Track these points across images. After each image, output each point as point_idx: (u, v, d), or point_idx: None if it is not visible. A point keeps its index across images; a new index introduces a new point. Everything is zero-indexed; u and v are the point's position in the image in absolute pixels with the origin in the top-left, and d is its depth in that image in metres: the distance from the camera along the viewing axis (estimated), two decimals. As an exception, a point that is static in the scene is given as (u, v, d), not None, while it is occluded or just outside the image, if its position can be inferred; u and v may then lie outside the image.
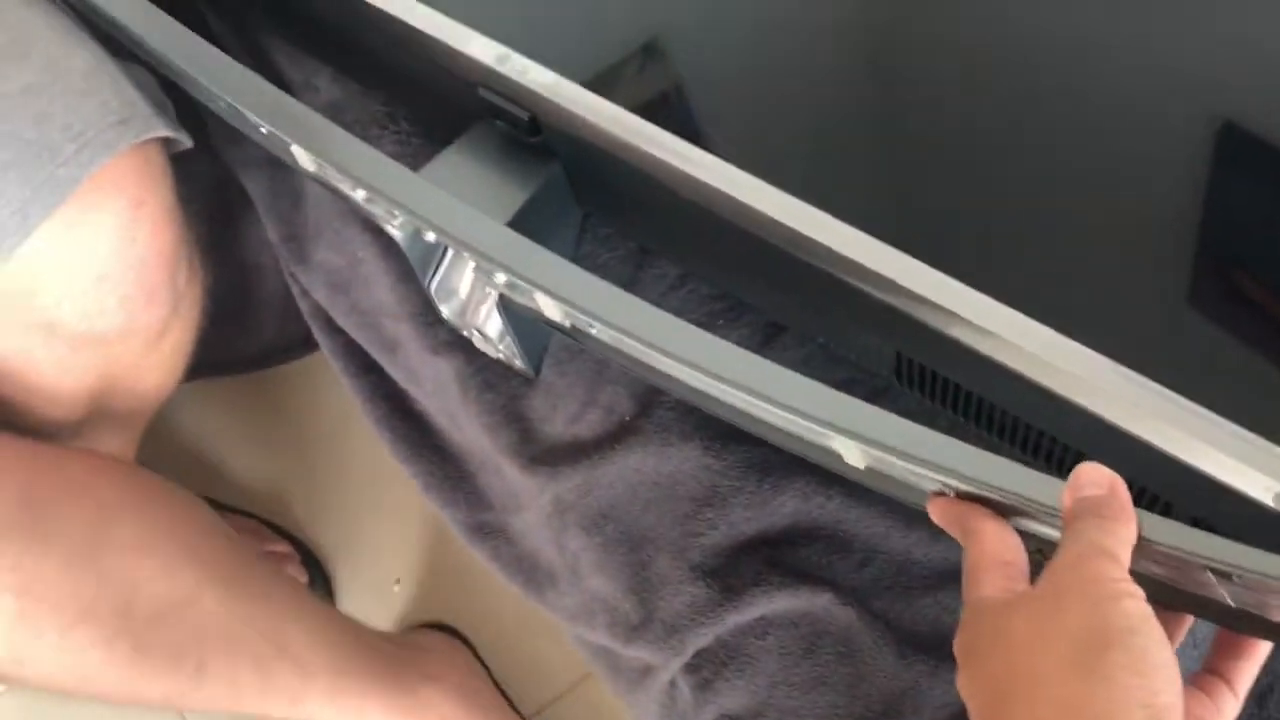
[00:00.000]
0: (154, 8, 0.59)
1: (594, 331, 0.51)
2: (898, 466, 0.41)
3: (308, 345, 0.90)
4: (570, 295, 0.49)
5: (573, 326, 0.52)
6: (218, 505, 0.99)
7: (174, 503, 0.74)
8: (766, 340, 0.59)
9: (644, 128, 0.50)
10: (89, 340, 0.66)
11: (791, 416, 0.42)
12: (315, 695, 0.76)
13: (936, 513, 0.41)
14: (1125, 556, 0.34)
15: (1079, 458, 0.42)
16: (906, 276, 0.45)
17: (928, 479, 0.41)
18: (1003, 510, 0.38)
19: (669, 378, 0.50)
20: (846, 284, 0.47)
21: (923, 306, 0.45)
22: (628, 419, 0.60)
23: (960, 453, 0.40)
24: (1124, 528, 0.35)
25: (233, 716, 0.82)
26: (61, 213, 0.60)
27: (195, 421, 1.08)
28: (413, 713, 0.83)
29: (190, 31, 0.57)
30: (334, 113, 0.67)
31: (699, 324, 0.59)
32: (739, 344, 0.58)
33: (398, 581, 1.04)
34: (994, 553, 0.37)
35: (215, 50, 0.57)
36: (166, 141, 0.65)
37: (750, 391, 0.42)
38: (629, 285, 0.61)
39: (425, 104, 0.63)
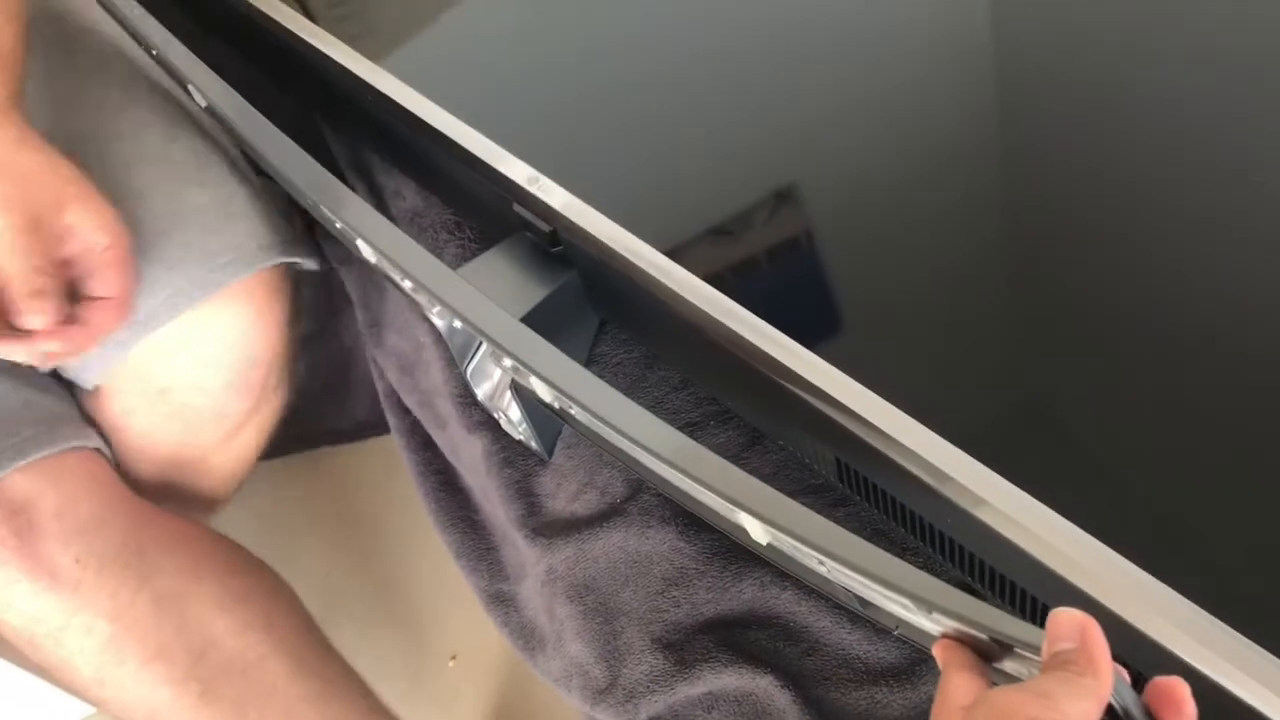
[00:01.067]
0: (266, 123, 0.72)
1: (574, 413, 0.58)
2: (787, 543, 0.47)
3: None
4: (550, 376, 0.56)
5: (560, 409, 0.60)
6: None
7: (257, 574, 0.83)
8: (749, 444, 0.65)
9: (633, 244, 0.59)
10: (186, 411, 0.78)
11: (703, 490, 0.49)
12: None
13: (937, 653, 0.41)
14: (1082, 707, 0.32)
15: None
16: (859, 404, 0.50)
17: (819, 564, 0.46)
18: (986, 654, 0.39)
19: (635, 461, 0.57)
20: (794, 396, 0.53)
21: (862, 427, 0.50)
22: (618, 501, 0.67)
23: (842, 540, 0.45)
24: (1089, 680, 0.33)
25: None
26: (202, 307, 0.73)
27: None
28: None
29: (284, 136, 0.69)
30: (412, 218, 0.78)
31: (692, 424, 0.67)
32: (724, 445, 0.66)
33: (453, 657, 1.12)
34: (954, 696, 0.37)
35: (302, 153, 0.68)
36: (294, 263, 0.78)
37: (670, 464, 0.49)
38: (636, 384, 0.69)
39: (477, 214, 0.73)
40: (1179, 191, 0.57)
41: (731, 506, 0.48)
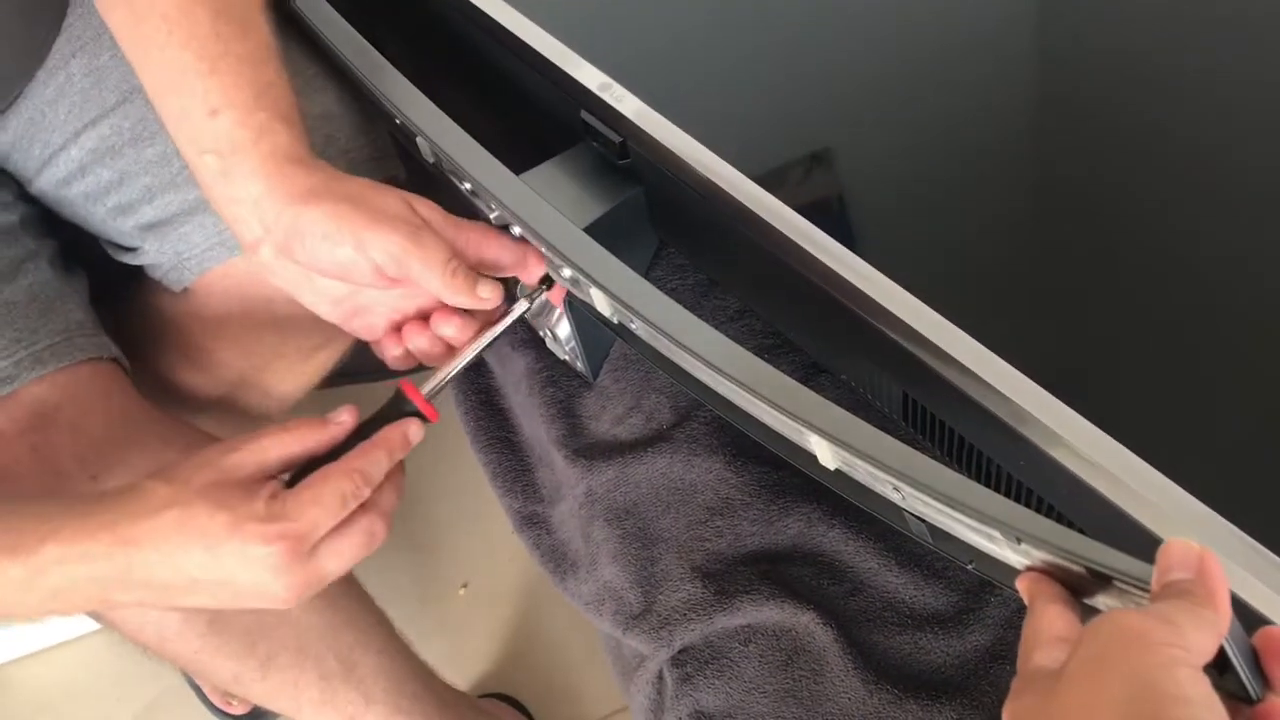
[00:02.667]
0: (336, 15, 0.69)
1: (634, 327, 0.56)
2: (861, 469, 0.45)
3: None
4: (614, 288, 0.55)
5: (619, 323, 0.58)
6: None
7: None
8: (806, 379, 0.64)
9: (718, 165, 0.56)
10: (283, 323, 0.75)
11: (772, 410, 0.47)
12: None
13: (1022, 586, 0.39)
14: (1203, 640, 0.31)
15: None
16: (950, 344, 0.48)
17: (894, 490, 0.45)
18: (1076, 588, 0.37)
19: (692, 379, 0.56)
20: (871, 328, 0.51)
21: (939, 359, 0.49)
22: (664, 427, 0.65)
23: (918, 463, 0.43)
24: (1210, 610, 0.31)
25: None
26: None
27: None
28: None
29: (356, 33, 0.67)
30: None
31: (747, 355, 0.65)
32: (779, 378, 0.64)
33: (464, 585, 1.11)
34: (1049, 628, 0.35)
35: (375, 52, 0.66)
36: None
37: (736, 381, 0.47)
38: (692, 311, 0.67)
39: (539, 123, 0.71)
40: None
41: (802, 428, 0.47)
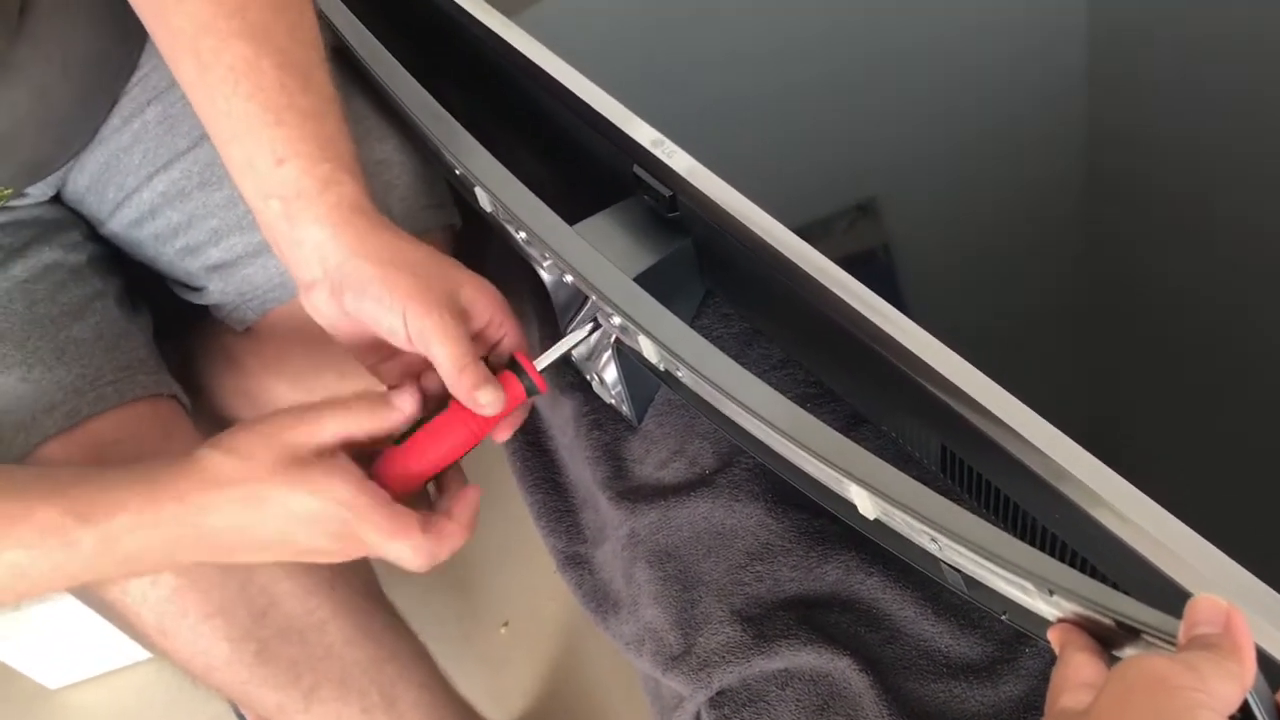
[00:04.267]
0: (400, 68, 0.73)
1: (680, 375, 0.58)
2: (899, 519, 0.47)
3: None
4: (661, 336, 0.57)
5: (665, 370, 0.60)
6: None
7: None
8: (847, 428, 0.65)
9: (763, 219, 0.58)
10: (341, 360, 0.78)
11: (812, 459, 0.48)
12: None
13: (1053, 636, 0.40)
14: (1226, 689, 0.32)
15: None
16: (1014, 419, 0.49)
17: (931, 541, 0.46)
18: (1106, 640, 0.38)
19: (735, 426, 0.57)
20: (911, 382, 0.53)
21: (979, 415, 0.50)
22: (707, 472, 0.67)
23: (954, 515, 0.45)
24: (1235, 664, 0.32)
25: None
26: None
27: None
28: None
29: (419, 85, 0.70)
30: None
31: (790, 403, 0.67)
32: (821, 427, 0.65)
33: (506, 623, 1.12)
34: (1076, 674, 0.36)
35: (436, 103, 0.69)
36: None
37: (777, 429, 0.49)
38: (735, 359, 0.68)
39: (596, 174, 0.73)
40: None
41: (842, 478, 0.48)
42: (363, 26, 0.74)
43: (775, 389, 0.67)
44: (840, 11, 0.70)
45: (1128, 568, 0.46)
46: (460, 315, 0.58)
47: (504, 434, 0.62)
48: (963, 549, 0.42)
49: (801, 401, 0.67)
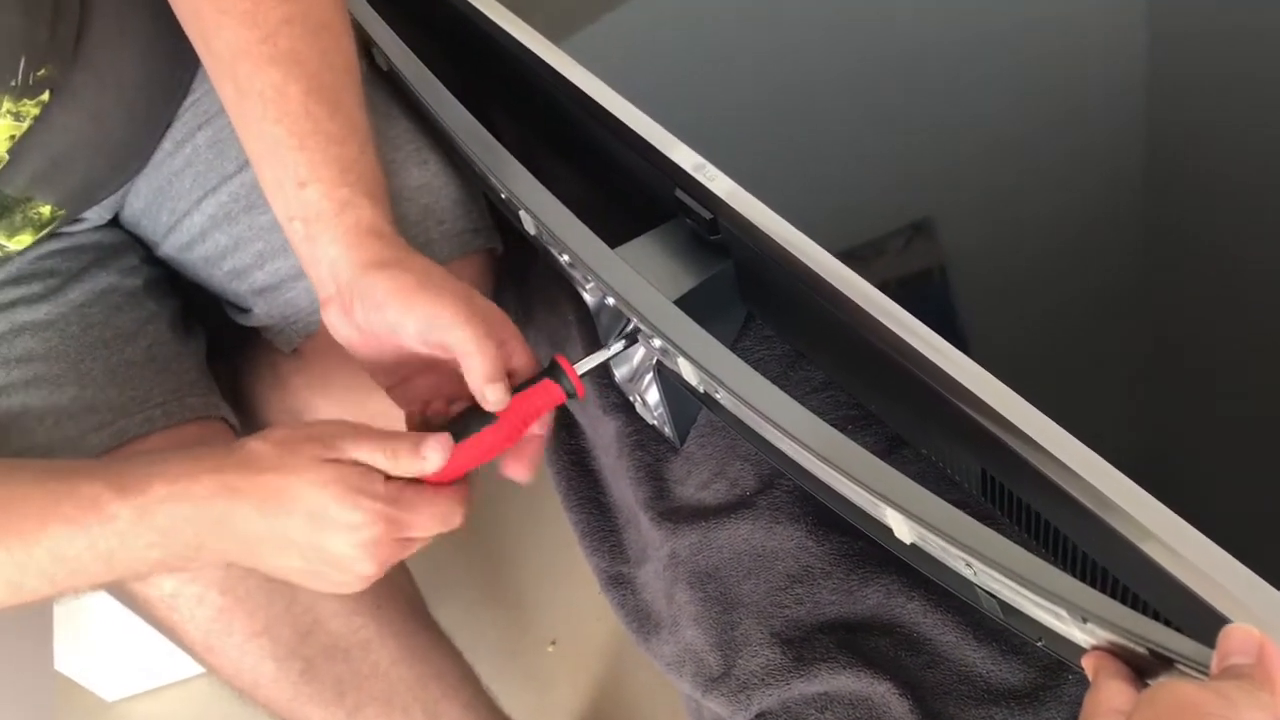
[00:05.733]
0: (447, 93, 0.74)
1: (719, 397, 0.59)
2: (935, 544, 0.46)
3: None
4: (700, 359, 0.57)
5: (705, 393, 0.61)
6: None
7: None
8: (887, 451, 0.65)
9: (804, 243, 0.58)
10: None
11: (849, 483, 0.49)
12: None
13: (1087, 663, 0.41)
14: (1257, 718, 0.31)
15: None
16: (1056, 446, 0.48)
17: (966, 566, 0.46)
18: (1139, 668, 0.38)
19: (774, 449, 0.57)
20: (952, 408, 0.52)
21: (1020, 442, 0.49)
22: (748, 494, 0.67)
23: (991, 542, 0.45)
24: (1267, 694, 0.32)
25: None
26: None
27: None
28: None
29: (465, 109, 0.71)
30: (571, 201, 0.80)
31: (832, 426, 0.67)
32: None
33: (553, 642, 1.13)
34: (1109, 701, 0.36)
35: (472, 119, 0.70)
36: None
37: (814, 453, 0.49)
38: (776, 381, 0.68)
39: (637, 198, 0.74)
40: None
41: (878, 502, 0.48)
42: (409, 51, 0.76)
43: (816, 412, 0.67)
44: (880, 35, 0.70)
45: (1167, 595, 0.45)
46: (478, 312, 0.59)
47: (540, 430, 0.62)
48: (997, 574, 0.42)
49: (843, 424, 0.67)
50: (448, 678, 0.85)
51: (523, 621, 1.14)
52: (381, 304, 0.58)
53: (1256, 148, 0.60)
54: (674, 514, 0.69)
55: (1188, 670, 0.35)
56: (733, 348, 0.71)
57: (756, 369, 0.70)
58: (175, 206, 0.80)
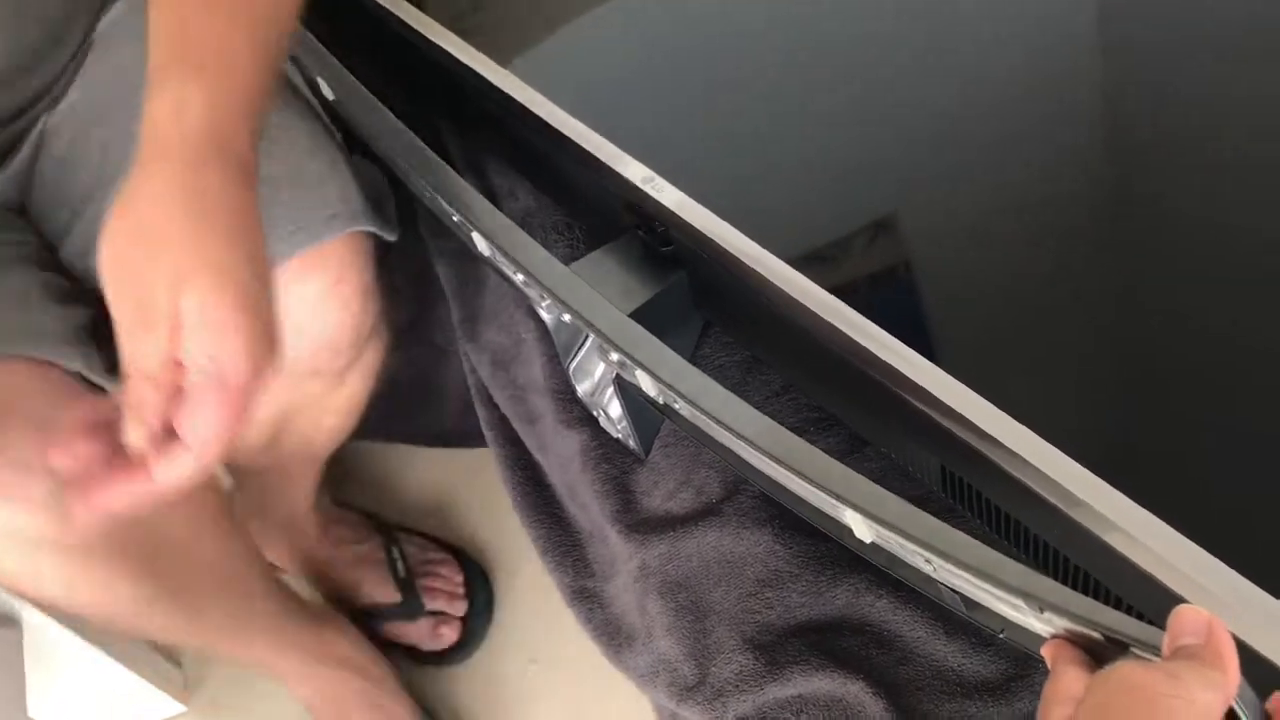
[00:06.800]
0: (393, 119, 0.74)
1: (678, 407, 0.59)
2: (893, 541, 0.47)
3: (481, 439, 1.00)
4: (656, 370, 0.57)
5: (664, 404, 0.61)
6: (387, 523, 1.15)
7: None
8: (849, 451, 0.65)
9: (744, 244, 0.59)
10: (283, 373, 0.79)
11: (806, 485, 0.49)
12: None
13: (1046, 652, 0.41)
14: (1208, 698, 0.32)
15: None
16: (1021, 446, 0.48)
17: (926, 562, 0.46)
18: (1097, 654, 0.38)
19: (734, 455, 0.58)
20: (909, 405, 0.53)
21: (976, 436, 0.50)
22: (714, 501, 0.67)
23: (950, 538, 0.45)
24: (1218, 674, 0.33)
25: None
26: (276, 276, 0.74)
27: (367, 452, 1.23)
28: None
29: (412, 134, 0.71)
30: (525, 216, 0.80)
31: (792, 429, 0.67)
32: (825, 452, 0.66)
33: (533, 660, 1.13)
34: (1067, 689, 0.36)
35: (422, 145, 0.70)
36: (374, 234, 0.78)
37: (770, 456, 0.49)
38: (736, 388, 0.69)
39: (590, 213, 0.74)
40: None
41: (836, 503, 0.49)
42: (354, 79, 0.76)
43: (777, 415, 0.68)
44: (821, 41, 0.71)
45: (1125, 579, 0.46)
46: (169, 322, 0.47)
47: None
48: (955, 569, 0.43)
49: (804, 426, 0.68)
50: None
51: (502, 640, 1.14)
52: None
53: (1198, 150, 0.61)
54: (642, 525, 0.69)
55: (1142, 654, 0.36)
56: (692, 355, 0.72)
57: (716, 375, 0.70)
58: (69, 203, 0.74)
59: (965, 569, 0.42)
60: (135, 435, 0.48)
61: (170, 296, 0.47)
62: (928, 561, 0.45)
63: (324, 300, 0.77)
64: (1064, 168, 0.61)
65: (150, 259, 0.47)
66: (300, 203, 0.74)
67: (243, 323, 0.48)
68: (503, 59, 0.73)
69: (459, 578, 1.13)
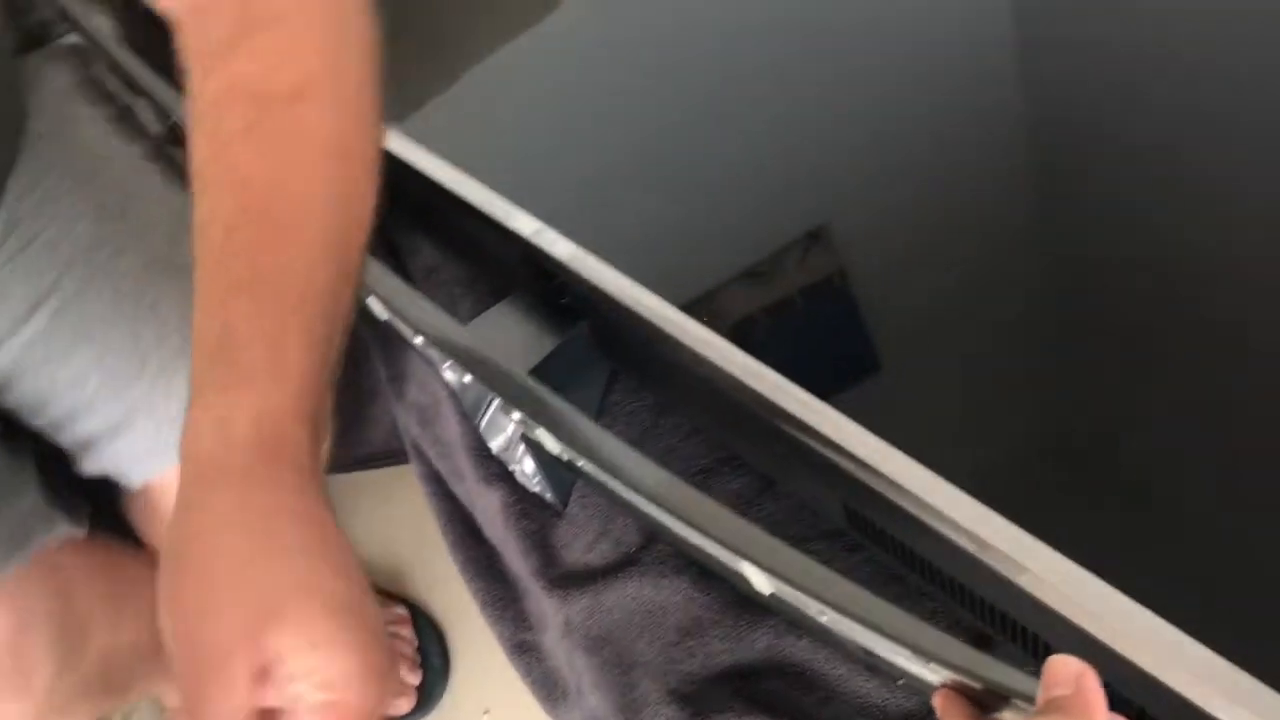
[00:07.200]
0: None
1: (580, 464, 0.58)
2: (789, 593, 0.46)
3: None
4: (553, 427, 0.57)
5: (568, 460, 0.60)
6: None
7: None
8: (764, 488, 0.65)
9: (636, 292, 0.59)
10: None
11: (703, 538, 0.48)
12: None
13: (937, 703, 0.40)
14: None
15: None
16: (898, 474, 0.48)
17: (822, 614, 0.46)
18: (984, 704, 0.38)
19: (638, 510, 0.57)
20: (804, 445, 0.53)
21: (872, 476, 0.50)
22: (632, 551, 0.66)
23: (846, 591, 0.45)
24: None
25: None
26: None
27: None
28: None
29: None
30: (428, 273, 0.79)
31: (706, 470, 0.67)
32: (738, 491, 0.65)
33: (487, 711, 1.11)
34: None
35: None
36: None
37: (665, 508, 0.49)
38: (648, 431, 0.69)
39: (489, 268, 0.74)
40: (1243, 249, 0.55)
41: (733, 555, 0.48)
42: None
43: (689, 457, 0.68)
44: (703, 91, 0.70)
45: (1023, 607, 0.46)
46: (251, 671, 0.39)
47: None
48: (847, 620, 0.42)
49: (716, 467, 0.67)
50: None
51: (456, 690, 1.12)
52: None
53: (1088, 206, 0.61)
54: (564, 580, 0.68)
55: (1020, 704, 0.35)
56: (603, 401, 0.71)
57: (627, 420, 0.70)
58: None
59: (856, 620, 0.42)
60: None
61: (248, 639, 0.39)
62: (822, 613, 0.45)
63: None
64: (948, 214, 0.61)
65: (215, 604, 0.40)
66: None
67: (352, 640, 0.40)
68: (390, 117, 0.72)
69: (415, 641, 1.12)
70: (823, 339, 0.60)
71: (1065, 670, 0.34)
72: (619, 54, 0.74)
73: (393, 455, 1.04)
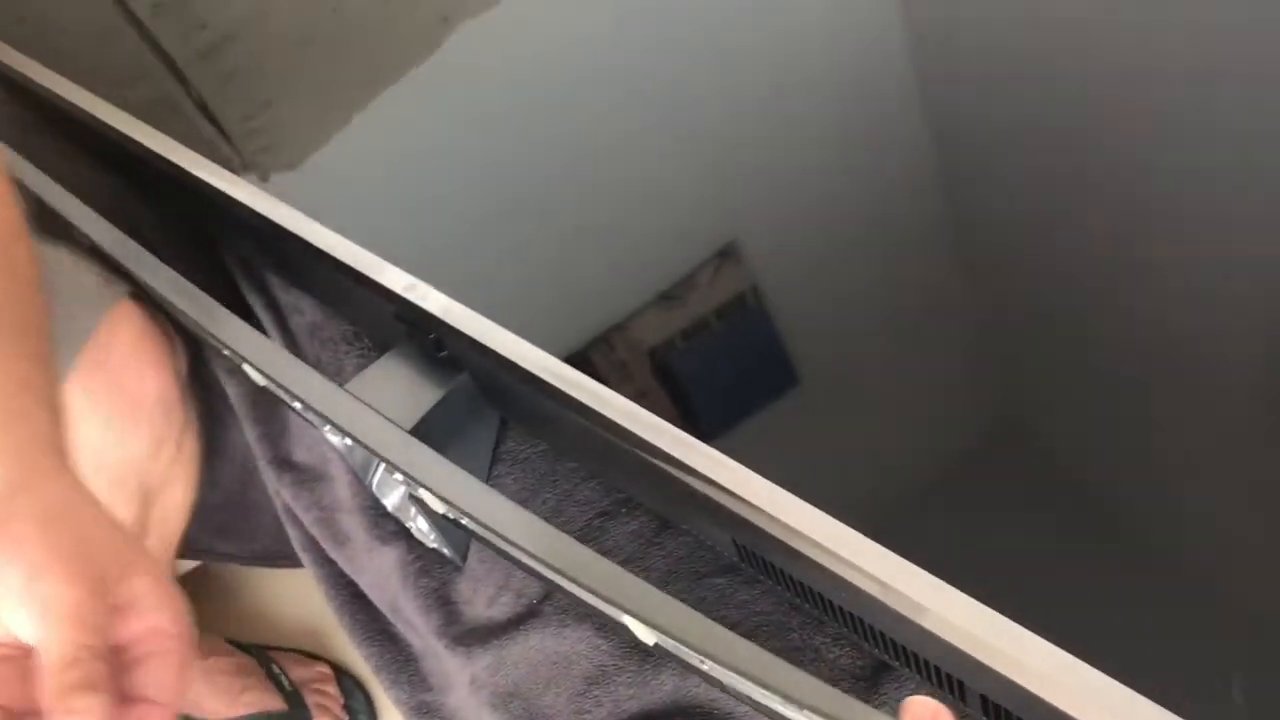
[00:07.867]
0: (161, 265, 0.71)
1: (465, 521, 0.57)
2: (669, 643, 0.45)
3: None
4: (435, 486, 0.55)
5: (454, 518, 0.59)
6: (264, 647, 1.08)
7: None
8: (661, 529, 0.64)
9: (511, 342, 0.57)
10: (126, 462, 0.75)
11: (582, 591, 0.47)
12: None
13: None
14: None
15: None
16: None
17: (704, 665, 0.45)
18: None
19: (524, 565, 0.56)
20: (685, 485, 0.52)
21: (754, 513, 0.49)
22: (534, 602, 0.65)
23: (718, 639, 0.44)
24: None
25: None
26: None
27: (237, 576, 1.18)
28: None
29: (164, 265, 0.69)
30: (312, 331, 0.77)
31: (604, 513, 0.66)
32: (636, 532, 0.65)
33: None
34: None
35: (182, 280, 0.68)
36: None
37: (542, 562, 0.48)
38: (544, 478, 0.68)
39: (367, 324, 0.72)
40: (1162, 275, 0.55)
41: (611, 607, 0.47)
42: (97, 215, 0.72)
43: (585, 500, 0.67)
44: (570, 139, 0.69)
45: (923, 647, 0.45)
46: (100, 598, 0.46)
47: None
48: (721, 668, 0.41)
49: (613, 509, 0.66)
50: None
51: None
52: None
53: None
54: (467, 637, 0.67)
55: None
56: (496, 451, 0.70)
57: (522, 468, 0.69)
58: None
59: (729, 669, 0.41)
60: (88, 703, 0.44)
61: (117, 578, 0.48)
62: (702, 661, 0.44)
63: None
64: (818, 262, 0.61)
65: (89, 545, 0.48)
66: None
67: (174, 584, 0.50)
68: (262, 178, 0.71)
69: (341, 699, 1.10)
70: (695, 386, 0.59)
71: (923, 711, 0.33)
72: (488, 100, 0.73)
73: (287, 556, 0.99)
